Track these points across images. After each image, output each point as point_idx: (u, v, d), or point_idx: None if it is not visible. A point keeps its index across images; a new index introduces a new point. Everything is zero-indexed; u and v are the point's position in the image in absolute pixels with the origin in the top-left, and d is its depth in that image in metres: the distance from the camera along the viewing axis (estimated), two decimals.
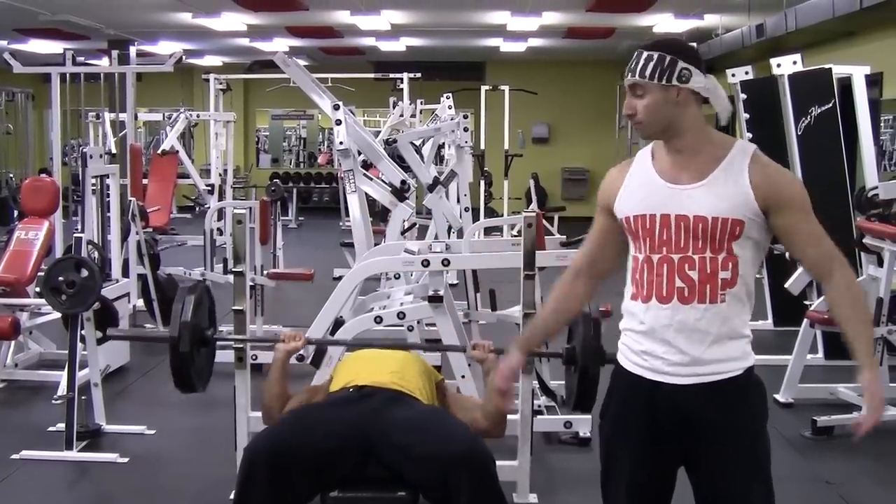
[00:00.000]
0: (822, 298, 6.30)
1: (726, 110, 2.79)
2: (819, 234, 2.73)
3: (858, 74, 7.76)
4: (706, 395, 2.71)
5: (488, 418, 3.97)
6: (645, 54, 2.73)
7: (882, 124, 10.42)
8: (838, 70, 7.85)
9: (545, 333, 3.29)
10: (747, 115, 8.29)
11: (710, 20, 12.88)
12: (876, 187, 7.04)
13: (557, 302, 3.08)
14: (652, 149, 2.86)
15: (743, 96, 8.31)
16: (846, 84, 7.90)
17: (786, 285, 6.60)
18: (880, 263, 6.29)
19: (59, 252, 7.78)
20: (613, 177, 2.92)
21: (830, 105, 7.64)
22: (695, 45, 2.82)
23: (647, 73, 2.71)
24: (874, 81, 9.05)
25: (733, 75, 8.30)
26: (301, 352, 4.81)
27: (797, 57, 7.70)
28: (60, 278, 5.37)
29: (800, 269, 6.43)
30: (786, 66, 7.66)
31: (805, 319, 6.37)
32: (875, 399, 2.75)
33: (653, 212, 2.75)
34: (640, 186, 2.81)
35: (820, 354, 7.33)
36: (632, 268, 2.84)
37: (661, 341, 2.74)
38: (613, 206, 2.86)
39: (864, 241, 6.47)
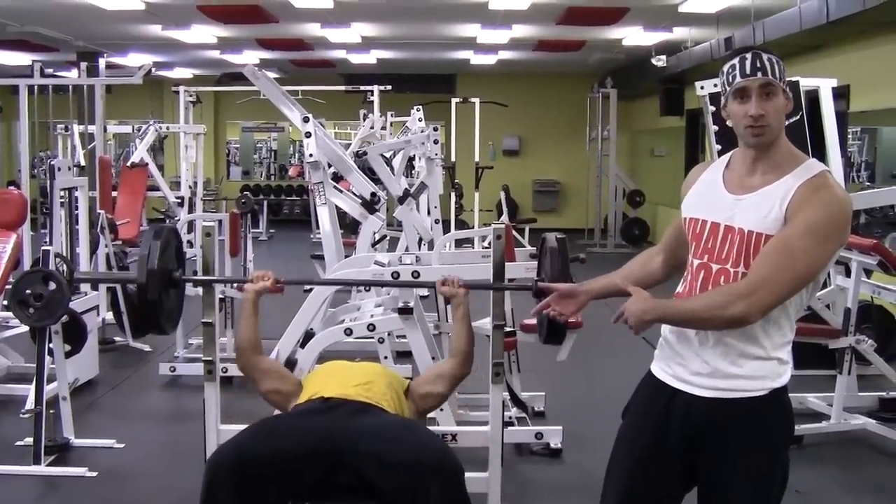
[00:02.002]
0: None
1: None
2: (779, 253, 2.57)
3: (826, 87, 7.81)
4: (723, 410, 2.68)
5: (457, 357, 4.06)
6: (766, 56, 2.63)
7: (849, 136, 10.51)
8: (806, 83, 7.89)
9: (612, 291, 3.07)
10: (716, 128, 8.31)
11: (679, 33, 12.96)
12: None
13: (629, 269, 3.09)
14: (732, 155, 2.81)
15: (711, 108, 8.34)
16: (814, 96, 7.95)
17: (805, 304, 6.62)
18: (848, 274, 6.33)
19: (27, 265, 7.73)
20: (693, 174, 2.91)
21: (798, 117, 7.67)
22: None
23: (777, 74, 2.63)
24: (841, 94, 9.11)
25: (702, 88, 8.32)
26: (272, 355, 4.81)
27: (783, 67, 7.73)
28: (28, 291, 5.32)
29: None
30: None
31: None
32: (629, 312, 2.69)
33: (706, 218, 2.74)
34: (705, 190, 2.80)
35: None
36: (686, 267, 2.85)
37: (688, 346, 2.74)
38: (682, 203, 2.86)
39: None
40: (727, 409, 2.67)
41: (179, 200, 12.93)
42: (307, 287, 8.98)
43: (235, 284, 6.87)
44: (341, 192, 6.36)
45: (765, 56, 2.63)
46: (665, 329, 2.87)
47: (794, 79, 7.83)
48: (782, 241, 2.57)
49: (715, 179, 2.78)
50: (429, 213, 8.15)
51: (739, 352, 2.66)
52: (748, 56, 2.64)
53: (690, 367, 2.73)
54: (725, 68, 2.69)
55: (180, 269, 4.27)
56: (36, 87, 9.57)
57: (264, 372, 4.13)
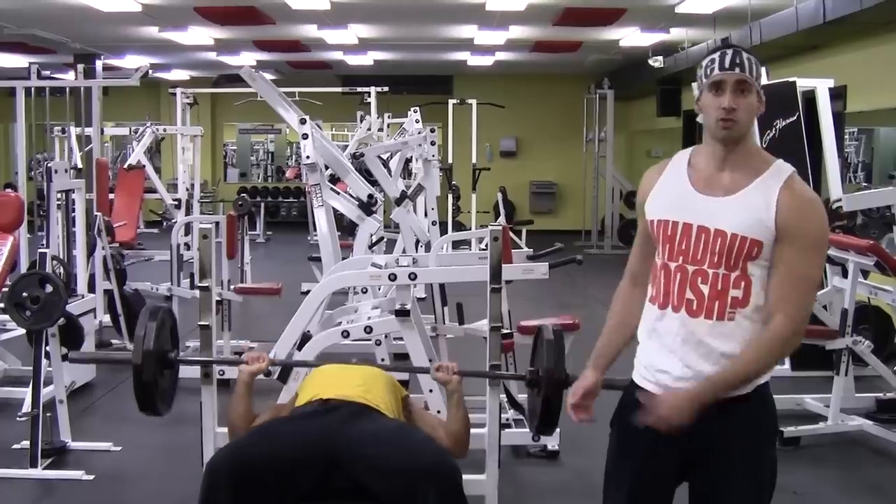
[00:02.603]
0: None
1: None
2: (796, 279, 2.62)
3: (822, 88, 7.82)
4: (709, 412, 2.66)
5: (451, 437, 3.97)
6: (745, 54, 2.67)
7: (846, 137, 10.52)
8: (802, 83, 7.90)
9: (615, 349, 3.04)
10: None
11: (676, 34, 12.96)
12: (840, 199, 7.10)
13: (620, 316, 3.00)
14: (690, 154, 2.82)
15: None
16: (810, 97, 7.96)
17: None
18: (845, 275, 6.33)
19: (23, 267, 7.71)
20: (647, 178, 2.89)
21: (795, 118, 7.70)
22: None
23: (754, 73, 2.67)
24: (838, 94, 9.11)
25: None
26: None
27: (762, 70, 7.74)
28: (24, 294, 5.32)
29: None
30: None
31: None
32: (667, 410, 2.65)
33: (676, 219, 2.73)
34: (670, 191, 2.79)
35: (787, 366, 7.38)
36: (653, 270, 2.82)
37: (668, 351, 2.73)
38: (645, 207, 2.85)
39: (828, 253, 6.52)
40: (713, 410, 2.66)
41: (176, 202, 12.91)
42: (304, 288, 9.00)
43: (234, 287, 6.87)
44: (338, 193, 6.36)
45: (744, 55, 2.67)
46: (641, 336, 2.85)
47: (790, 79, 7.87)
48: (801, 271, 2.63)
49: (680, 179, 2.77)
50: (426, 214, 8.16)
51: (721, 353, 2.67)
52: (728, 52, 2.68)
53: (673, 374, 2.72)
54: (704, 62, 2.72)
55: (175, 349, 4.25)
56: (33, 89, 9.57)
57: (262, 420, 4.07)
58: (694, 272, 2.69)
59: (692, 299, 2.68)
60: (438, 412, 4.56)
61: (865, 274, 6.50)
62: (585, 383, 2.97)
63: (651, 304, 2.81)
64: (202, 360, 4.29)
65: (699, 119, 2.76)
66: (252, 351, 4.28)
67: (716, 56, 2.69)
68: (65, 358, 5.74)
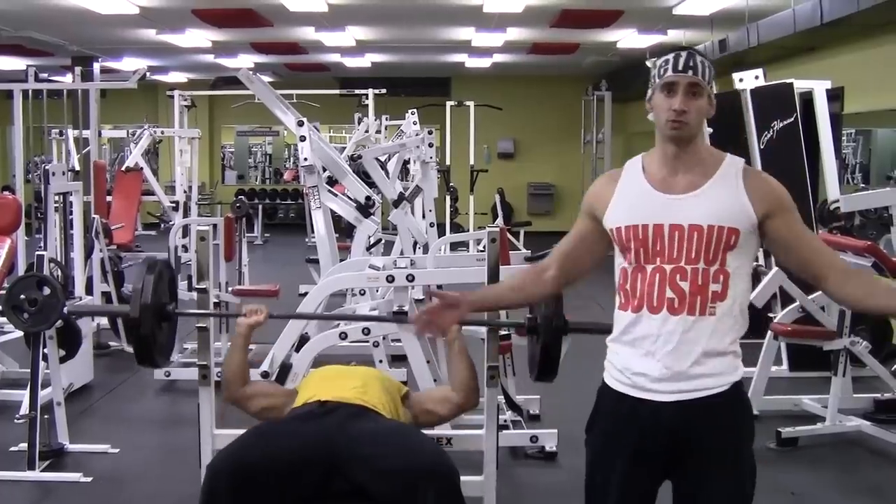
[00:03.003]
0: (786, 310, 6.35)
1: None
2: (817, 238, 2.78)
3: (820, 89, 7.83)
4: (690, 412, 2.69)
5: (459, 389, 4.03)
6: (699, 57, 2.71)
7: (843, 138, 10.53)
8: (800, 85, 7.91)
9: (497, 302, 3.28)
10: (710, 130, 8.32)
11: (674, 35, 12.97)
12: (837, 200, 7.10)
13: (519, 281, 3.11)
14: (643, 160, 2.85)
15: None
16: (808, 98, 7.97)
17: (750, 298, 6.61)
18: None
19: (21, 270, 7.71)
20: (602, 186, 2.90)
21: (792, 119, 7.70)
22: None
23: (707, 76, 2.71)
24: (835, 96, 9.12)
25: None
26: (266, 368, 4.80)
27: (759, 72, 7.76)
28: (22, 296, 5.31)
29: (763, 282, 6.47)
30: (748, 80, 7.72)
31: (769, 332, 6.40)
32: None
33: (645, 222, 2.73)
34: (632, 197, 2.79)
35: (784, 366, 7.39)
36: (619, 279, 2.82)
37: (647, 354, 2.73)
38: (602, 217, 2.84)
39: None
40: (693, 409, 2.69)
41: (174, 205, 12.88)
42: (302, 290, 9.00)
43: (231, 289, 6.88)
44: (336, 195, 6.36)
45: (698, 57, 2.71)
46: (612, 343, 2.86)
47: (788, 81, 7.87)
48: (810, 236, 2.86)
49: (639, 183, 2.80)
50: (424, 216, 8.15)
51: (702, 350, 2.68)
52: (683, 54, 2.72)
53: (651, 375, 2.72)
54: (658, 62, 2.76)
55: (173, 302, 4.27)
56: (30, 91, 9.56)
57: (250, 397, 4.14)
58: (672, 270, 2.70)
59: (673, 297, 2.69)
60: None
61: None
62: (445, 301, 3.11)
63: (622, 310, 2.80)
64: (200, 312, 4.28)
65: (649, 117, 2.81)
66: (251, 305, 4.30)
67: (670, 57, 2.72)
68: (63, 360, 5.74)
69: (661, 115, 2.74)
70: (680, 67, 2.69)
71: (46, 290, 5.35)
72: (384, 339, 6.28)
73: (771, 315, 6.69)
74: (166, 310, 4.18)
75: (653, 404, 2.72)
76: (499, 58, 16.60)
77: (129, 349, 8.10)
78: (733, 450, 2.75)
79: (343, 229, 8.90)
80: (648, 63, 13.38)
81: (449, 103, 15.88)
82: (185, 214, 12.70)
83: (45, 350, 5.57)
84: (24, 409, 5.68)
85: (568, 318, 3.93)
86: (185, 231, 10.91)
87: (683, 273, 2.68)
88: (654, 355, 2.71)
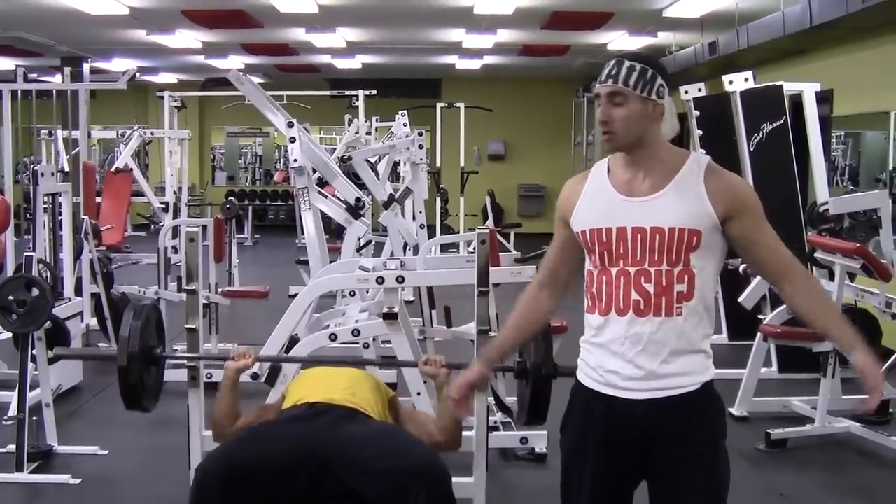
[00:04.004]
0: (775, 312, 6.37)
1: (673, 130, 2.80)
2: (775, 240, 2.74)
3: (809, 91, 7.85)
4: (662, 410, 2.70)
5: (443, 432, 3.97)
6: (627, 63, 2.70)
7: (833, 140, 10.54)
8: (789, 87, 7.93)
9: (509, 348, 3.25)
10: (700, 132, 8.36)
11: (664, 38, 12.98)
12: (826, 202, 7.12)
13: (520, 317, 3.07)
14: (608, 162, 2.86)
15: (696, 113, 8.39)
16: (797, 101, 7.99)
17: (739, 300, 6.64)
18: (831, 277, 6.35)
19: (9, 271, 7.69)
20: (570, 189, 2.91)
21: (782, 121, 7.71)
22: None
23: (631, 82, 2.69)
24: (824, 98, 9.15)
25: (686, 92, 8.37)
26: (255, 370, 4.79)
27: (749, 74, 7.78)
28: (11, 297, 5.31)
29: (753, 284, 6.49)
30: (738, 83, 7.74)
31: (759, 333, 6.42)
32: (873, 376, 2.77)
33: (609, 225, 2.74)
34: (596, 200, 2.81)
35: (774, 368, 7.40)
36: (587, 281, 2.84)
37: (616, 355, 2.74)
38: (570, 220, 2.86)
39: (815, 255, 6.54)
40: (665, 407, 2.70)
41: (164, 206, 12.88)
42: (292, 291, 9.00)
43: (220, 290, 6.86)
44: (326, 197, 6.36)
45: (626, 63, 2.71)
46: (584, 345, 2.87)
47: (777, 83, 7.89)
48: (771, 236, 2.76)
49: (603, 186, 2.82)
50: (414, 217, 8.17)
51: (671, 350, 2.69)
52: (610, 63, 2.74)
53: (623, 374, 2.74)
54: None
55: (161, 345, 4.25)
56: (19, 91, 9.53)
57: (246, 427, 4.07)
58: (636, 273, 2.71)
59: (638, 300, 2.71)
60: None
61: (852, 277, 6.52)
62: (470, 376, 3.12)
63: (590, 314, 2.83)
64: (188, 356, 4.28)
65: None
66: (238, 348, 4.28)
67: (604, 67, 2.76)
68: (51, 361, 5.72)
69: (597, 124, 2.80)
70: (602, 77, 2.74)
71: (35, 292, 5.35)
72: (374, 340, 6.28)
73: (760, 317, 6.70)
74: (153, 354, 4.16)
75: (626, 402, 2.73)
76: (489, 59, 16.59)
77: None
78: (706, 448, 2.76)
79: (333, 231, 8.90)
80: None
81: (439, 105, 15.88)
82: (175, 215, 12.69)
83: (34, 351, 5.56)
84: (13, 411, 5.66)
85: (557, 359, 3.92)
86: (175, 232, 10.90)
87: (647, 275, 2.70)
88: (625, 356, 2.73)
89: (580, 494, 2.87)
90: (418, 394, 4.90)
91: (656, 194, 2.71)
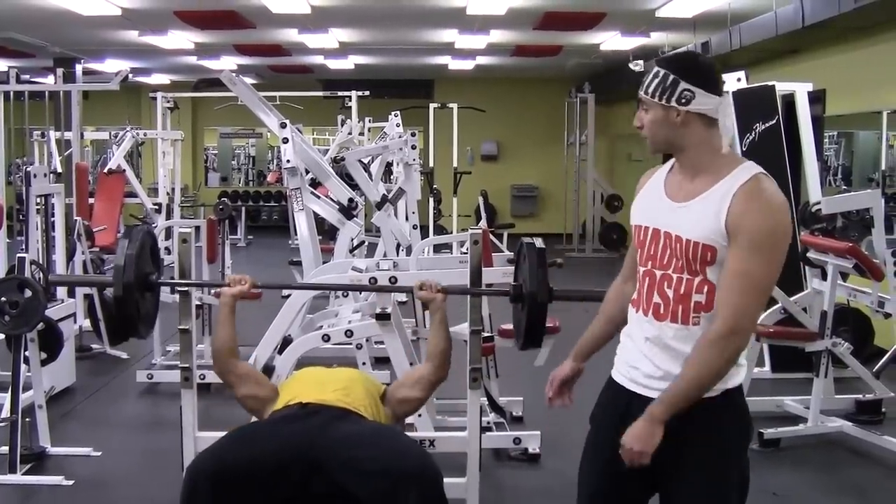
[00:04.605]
0: (767, 312, 6.37)
1: (728, 134, 2.76)
2: (733, 278, 2.59)
3: (801, 91, 7.85)
4: (675, 422, 2.65)
5: (435, 358, 4.10)
6: (655, 69, 2.71)
7: (825, 140, 10.55)
8: (782, 87, 7.94)
9: (600, 341, 3.13)
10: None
11: (657, 38, 12.99)
12: (819, 202, 7.13)
13: (608, 311, 3.07)
14: (674, 162, 2.84)
15: None
16: (790, 101, 7.99)
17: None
18: (824, 277, 6.36)
19: (2, 272, 7.68)
20: (640, 182, 2.94)
21: (774, 121, 7.73)
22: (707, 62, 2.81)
23: (650, 90, 2.70)
24: (817, 98, 9.15)
25: None
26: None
27: (741, 74, 7.79)
28: (3, 299, 5.30)
29: None
30: (730, 82, 7.74)
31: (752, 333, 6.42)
32: (630, 441, 2.66)
33: (648, 224, 2.78)
34: (649, 197, 2.83)
35: (767, 368, 7.41)
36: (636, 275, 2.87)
37: (640, 352, 2.77)
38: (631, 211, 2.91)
39: (808, 255, 6.55)
40: (680, 417, 2.66)
41: (157, 207, 12.88)
42: (285, 293, 8.98)
43: (213, 291, 6.87)
44: (319, 197, 6.35)
45: (654, 70, 2.71)
46: (622, 334, 2.90)
47: (770, 83, 7.90)
48: (736, 269, 2.58)
49: (657, 185, 2.82)
50: (407, 218, 8.17)
51: (685, 356, 2.66)
52: (650, 70, 2.75)
53: (644, 371, 2.75)
54: None
55: (156, 272, 4.26)
56: (12, 93, 9.53)
57: (241, 377, 4.13)
58: (661, 276, 2.72)
59: (659, 303, 2.72)
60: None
61: (845, 276, 6.53)
62: (562, 372, 3.11)
63: (632, 306, 2.86)
64: (182, 283, 4.29)
65: None
66: (234, 274, 4.31)
67: None
68: (44, 363, 5.72)
69: None
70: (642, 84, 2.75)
71: (28, 293, 5.34)
72: (367, 341, 6.28)
73: None
74: (149, 279, 4.17)
75: (644, 399, 2.73)
76: (482, 60, 16.59)
77: (112, 352, 8.11)
78: (716, 456, 2.71)
79: (326, 231, 8.90)
80: (632, 65, 13.43)
81: (432, 105, 15.87)
82: (168, 216, 12.69)
83: (27, 353, 5.55)
84: (6, 413, 5.64)
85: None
86: (168, 233, 10.89)
87: (670, 280, 2.71)
88: (646, 354, 2.75)
89: (589, 482, 2.92)
90: None
91: (687, 203, 2.69)
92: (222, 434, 3.85)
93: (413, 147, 8.24)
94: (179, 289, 4.39)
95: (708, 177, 2.68)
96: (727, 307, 2.59)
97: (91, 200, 11.45)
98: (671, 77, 2.67)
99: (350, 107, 15.04)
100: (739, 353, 2.66)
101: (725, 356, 2.61)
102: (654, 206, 2.79)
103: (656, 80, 2.69)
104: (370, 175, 8.40)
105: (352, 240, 6.90)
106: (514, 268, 4.39)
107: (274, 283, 4.73)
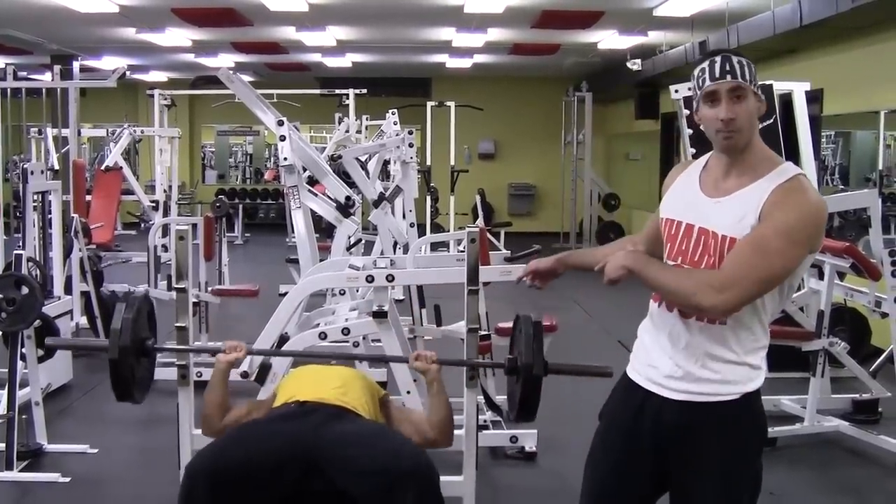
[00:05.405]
0: None
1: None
2: (740, 245, 2.56)
3: (799, 91, 7.85)
4: (693, 413, 2.66)
5: (435, 427, 3.97)
6: (734, 58, 2.60)
7: (823, 140, 10.56)
8: (779, 86, 7.93)
9: (591, 264, 3.01)
10: (690, 131, 8.35)
11: (655, 37, 13.00)
12: None
13: (614, 248, 3.04)
14: (709, 157, 2.79)
15: (686, 112, 8.38)
16: (787, 100, 7.99)
17: (776, 312, 6.63)
18: (821, 276, 6.36)
19: None
20: (671, 177, 2.90)
21: (771, 121, 7.71)
22: None
23: (748, 76, 2.60)
24: (814, 97, 9.16)
25: (676, 91, 8.36)
26: (245, 368, 4.78)
27: (753, 69, 7.78)
28: (0, 296, 5.29)
29: None
30: None
31: None
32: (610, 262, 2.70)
33: (681, 219, 2.73)
34: (681, 191, 2.79)
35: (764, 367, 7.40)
36: None
37: (660, 349, 2.73)
38: (660, 204, 2.86)
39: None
40: (697, 412, 2.66)
41: (154, 204, 12.86)
42: (282, 291, 8.98)
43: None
44: (316, 195, 6.35)
45: (734, 59, 2.60)
46: (640, 330, 2.87)
47: (767, 82, 7.88)
48: (756, 239, 2.53)
49: (692, 181, 2.77)
50: (404, 216, 8.14)
51: (709, 355, 2.64)
52: (717, 59, 2.61)
53: (662, 370, 2.72)
54: (696, 72, 2.67)
55: (153, 338, 4.24)
56: (9, 90, 9.52)
57: (238, 420, 4.07)
58: None
59: None
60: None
61: (841, 276, 6.53)
62: (543, 265, 3.18)
63: (652, 300, 2.82)
64: (177, 348, 4.27)
65: (701, 127, 2.71)
66: (230, 341, 4.27)
67: (706, 65, 2.64)
68: (43, 359, 5.71)
69: (709, 127, 2.65)
70: (717, 74, 2.60)
71: (25, 290, 5.33)
72: (364, 339, 6.27)
73: None
74: (145, 346, 4.14)
75: (660, 399, 2.72)
76: (479, 58, 16.60)
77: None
78: (732, 458, 2.69)
79: (323, 229, 8.89)
80: (629, 64, 13.44)
81: (430, 104, 15.89)
82: (165, 214, 12.67)
83: (24, 350, 5.55)
84: (2, 409, 5.65)
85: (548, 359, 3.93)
86: (165, 230, 10.87)
87: None
88: (666, 351, 2.72)
89: (595, 477, 2.90)
90: (408, 392, 4.89)
91: (724, 198, 2.64)
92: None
93: (410, 145, 8.22)
94: (176, 358, 4.33)
95: (747, 174, 2.63)
96: (731, 271, 2.54)
97: (88, 198, 11.44)
98: (753, 67, 2.61)
99: (347, 105, 15.05)
100: (702, 311, 2.61)
101: (694, 300, 2.56)
102: (689, 201, 2.73)
103: (747, 70, 2.60)
104: (367, 173, 8.38)
105: (349, 238, 6.90)
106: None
107: (266, 350, 4.70)
